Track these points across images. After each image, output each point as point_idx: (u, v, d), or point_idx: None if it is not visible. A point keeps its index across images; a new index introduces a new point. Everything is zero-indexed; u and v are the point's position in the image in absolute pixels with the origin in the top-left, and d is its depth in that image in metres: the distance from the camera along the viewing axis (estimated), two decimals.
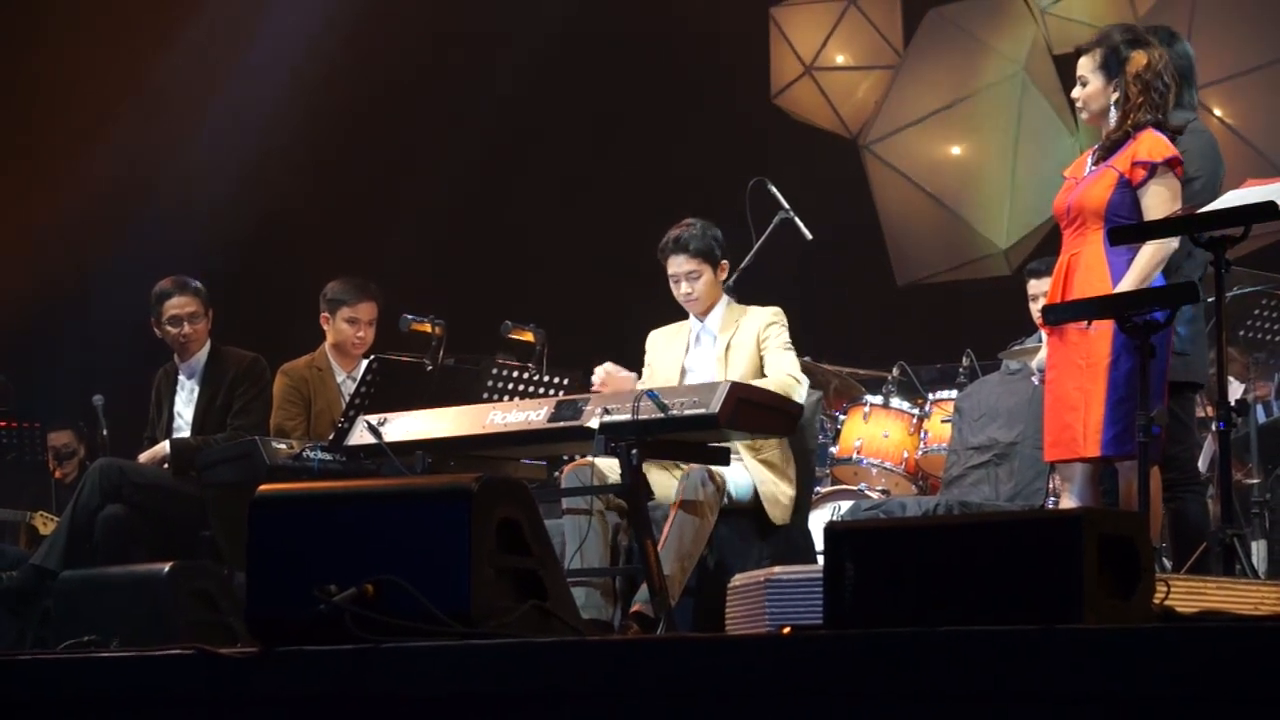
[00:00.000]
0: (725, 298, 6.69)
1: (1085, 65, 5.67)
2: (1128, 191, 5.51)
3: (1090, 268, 5.51)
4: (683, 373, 6.59)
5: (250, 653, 3.55)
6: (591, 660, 3.29)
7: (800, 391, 6.35)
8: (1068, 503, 5.67)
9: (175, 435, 7.46)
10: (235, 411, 7.43)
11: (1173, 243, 5.44)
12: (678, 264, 6.58)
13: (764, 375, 6.40)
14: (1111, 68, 5.60)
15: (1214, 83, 10.42)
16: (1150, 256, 5.41)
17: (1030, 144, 11.93)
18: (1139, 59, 5.57)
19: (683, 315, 6.73)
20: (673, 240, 6.59)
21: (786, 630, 3.31)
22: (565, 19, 11.72)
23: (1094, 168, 5.65)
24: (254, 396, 7.48)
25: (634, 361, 6.86)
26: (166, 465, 7.29)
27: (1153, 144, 5.50)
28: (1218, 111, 10.56)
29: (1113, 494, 5.65)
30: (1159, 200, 5.46)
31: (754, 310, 6.63)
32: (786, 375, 6.37)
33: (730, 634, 5.19)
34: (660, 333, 6.80)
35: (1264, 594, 4.65)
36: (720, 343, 6.56)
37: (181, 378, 7.57)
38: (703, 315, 6.64)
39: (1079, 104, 5.74)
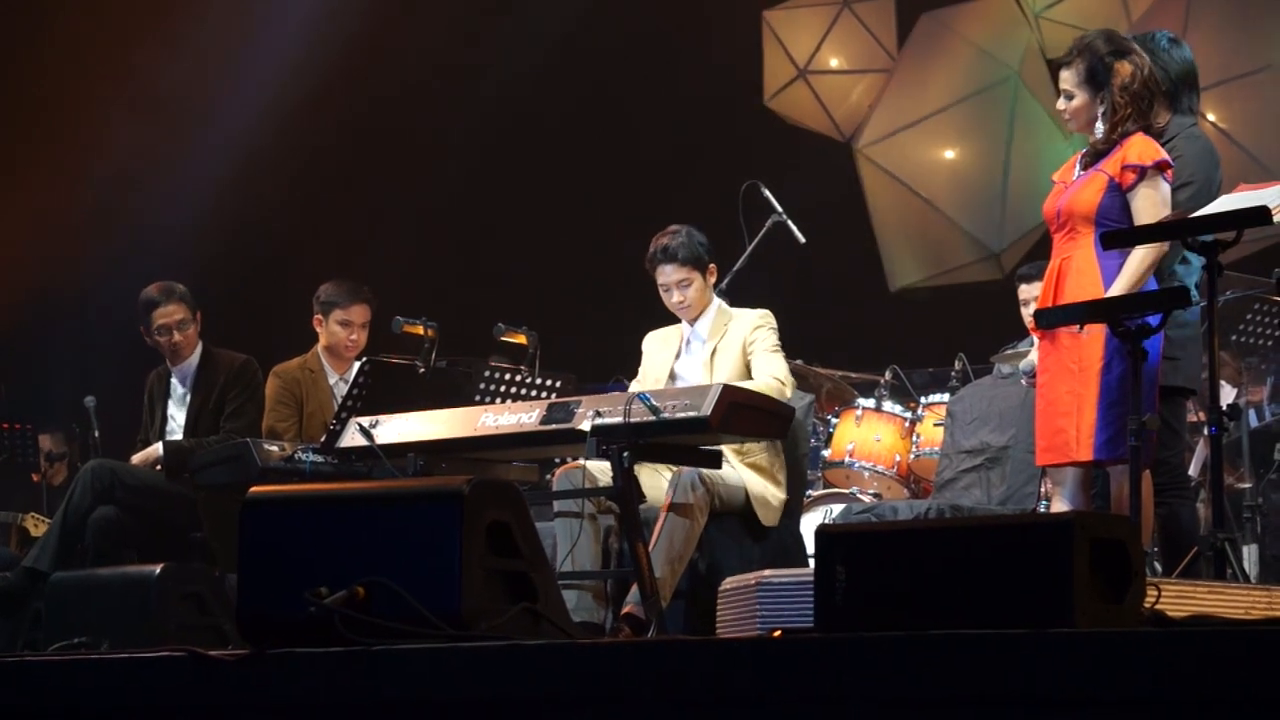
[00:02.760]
0: (716, 301, 6.69)
1: (1068, 79, 5.65)
2: (1118, 195, 5.51)
3: (1081, 272, 5.51)
4: (672, 377, 6.59)
5: (241, 655, 3.54)
6: (582, 663, 3.29)
7: (786, 394, 6.34)
8: (1059, 507, 5.67)
9: (168, 437, 7.46)
10: (228, 414, 7.43)
11: (1164, 246, 5.45)
12: (667, 274, 6.58)
13: (750, 379, 6.39)
14: (1096, 80, 5.58)
15: (1207, 87, 10.39)
16: (1141, 260, 5.42)
17: (1023, 148, 11.94)
18: (1123, 70, 5.55)
19: (677, 318, 6.73)
20: (660, 250, 6.58)
21: (777, 633, 3.31)
22: (559, 23, 11.72)
23: (1083, 172, 5.65)
24: (247, 399, 7.48)
25: (626, 363, 6.87)
26: (159, 467, 7.29)
27: (1142, 148, 5.50)
28: (1211, 116, 10.57)
29: (1104, 498, 5.65)
30: (1148, 204, 5.47)
31: (742, 313, 6.63)
32: (772, 378, 6.37)
33: (721, 637, 5.19)
34: (655, 336, 6.80)
35: (1255, 598, 4.65)
36: (707, 348, 6.56)
37: (174, 380, 7.57)
38: (694, 321, 6.65)
39: (1065, 116, 5.72)
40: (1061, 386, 5.51)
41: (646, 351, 6.79)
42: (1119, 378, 5.35)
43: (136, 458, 7.40)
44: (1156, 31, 5.99)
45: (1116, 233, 5.40)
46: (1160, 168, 5.48)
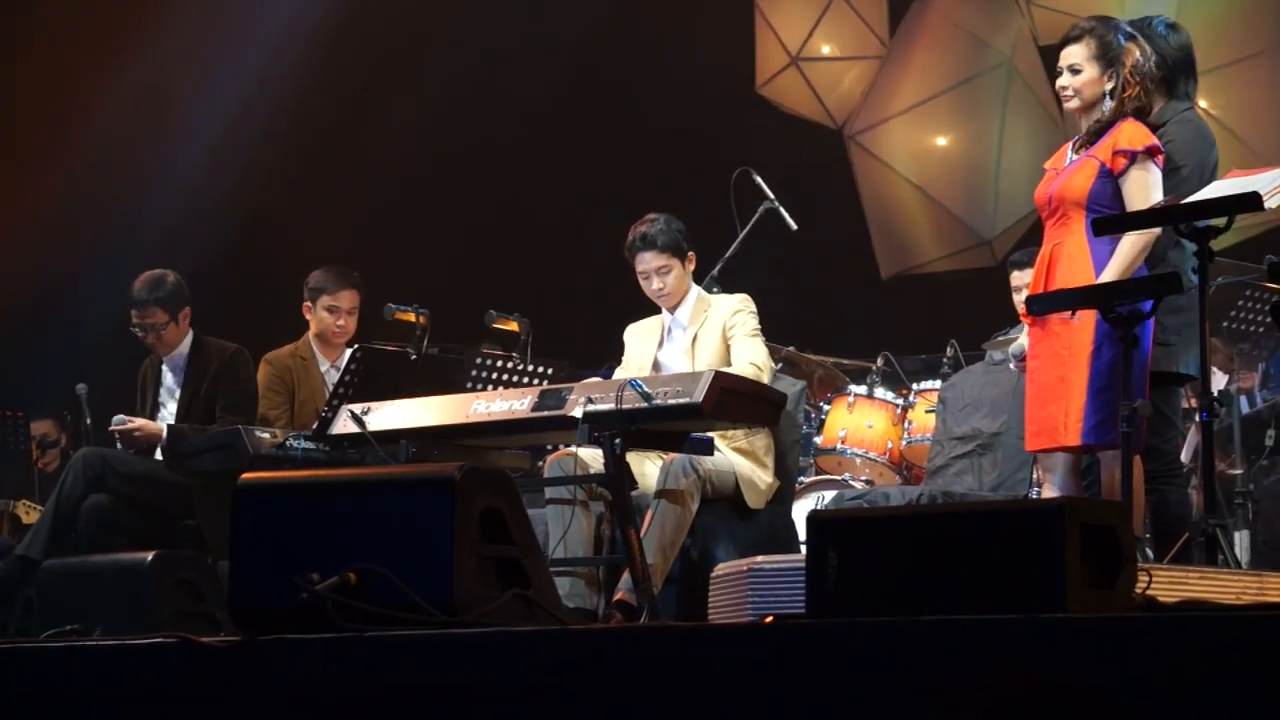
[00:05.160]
0: (695, 289, 6.69)
1: (1078, 53, 5.63)
2: (1109, 181, 5.51)
3: (1073, 258, 5.52)
4: (655, 366, 6.59)
5: (233, 641, 3.54)
6: (574, 649, 3.29)
7: (764, 380, 6.34)
8: (1050, 493, 5.67)
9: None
10: (223, 407, 7.40)
11: (1155, 231, 5.45)
12: (646, 261, 6.58)
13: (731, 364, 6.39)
14: (1108, 57, 5.59)
15: (1200, 73, 10.43)
16: (1132, 246, 5.42)
17: (1016, 135, 11.94)
18: (1133, 51, 5.58)
19: (658, 308, 6.73)
20: (639, 237, 6.59)
21: (769, 619, 3.31)
22: (549, 10, 11.71)
23: (1074, 157, 5.66)
24: (239, 390, 7.46)
25: (618, 350, 6.87)
26: (159, 452, 7.26)
27: (1133, 133, 5.51)
28: (1203, 102, 10.56)
29: (1097, 484, 5.65)
30: (1139, 188, 5.47)
31: (721, 299, 6.63)
32: (749, 364, 6.36)
33: (713, 623, 5.19)
34: (636, 327, 6.80)
35: (1246, 584, 4.66)
36: (688, 335, 6.56)
37: (165, 369, 7.56)
38: (674, 308, 6.65)
39: (1068, 91, 5.67)
40: (1052, 372, 5.52)
41: (628, 342, 6.79)
42: (1109, 363, 5.36)
43: (138, 422, 7.30)
44: (1154, 17, 5.99)
45: (1107, 219, 5.41)
46: (1151, 153, 5.49)
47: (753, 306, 6.56)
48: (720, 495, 6.29)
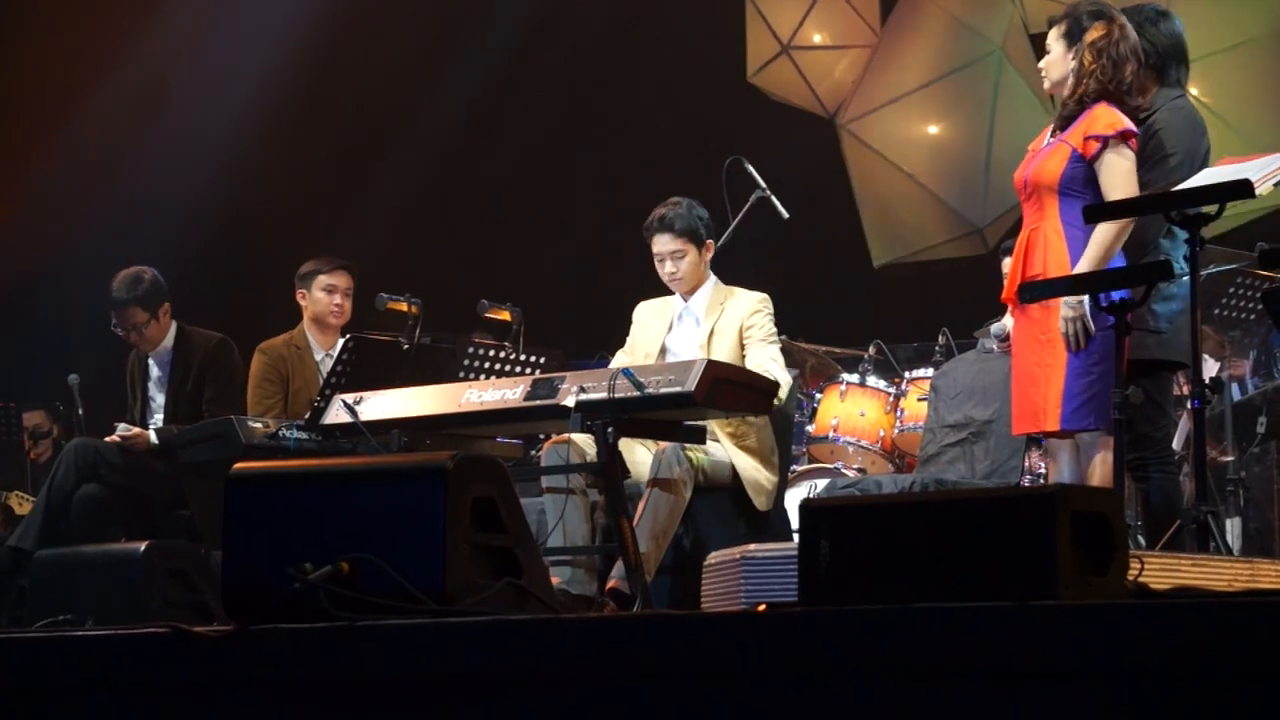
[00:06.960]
0: (712, 279, 6.67)
1: (1052, 34, 5.72)
2: (1080, 166, 5.51)
3: (1049, 244, 5.53)
4: (663, 351, 6.58)
5: (225, 631, 3.54)
6: (566, 637, 3.29)
7: (783, 391, 6.34)
8: (1055, 478, 5.71)
9: (151, 418, 7.44)
10: (209, 399, 7.39)
11: (1130, 219, 5.44)
12: (662, 243, 6.57)
13: (743, 359, 6.39)
14: (1073, 36, 5.63)
15: (1191, 61, 10.43)
16: (1106, 234, 5.39)
17: (1007, 123, 11.93)
18: (1097, 29, 5.59)
19: (666, 291, 6.71)
20: (658, 219, 6.57)
21: (761, 607, 3.31)
22: (539, 2, 11.69)
23: (1051, 140, 5.67)
24: (225, 381, 7.46)
25: (611, 339, 6.86)
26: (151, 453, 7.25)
27: (1106, 118, 5.50)
28: (1193, 89, 10.57)
29: None
30: (1114, 173, 5.46)
31: (740, 294, 6.60)
32: (772, 362, 6.37)
33: (705, 611, 5.20)
34: (648, 306, 6.77)
35: (1237, 570, 4.67)
36: (704, 328, 6.54)
37: (151, 363, 7.55)
38: (687, 295, 6.63)
39: (1042, 72, 5.76)
40: (1031, 357, 5.54)
41: (637, 321, 6.77)
42: (1087, 349, 5.38)
43: (135, 431, 7.29)
44: (1144, 5, 6.00)
45: (1098, 206, 5.40)
46: (1124, 137, 5.49)
47: (771, 309, 6.54)
48: (714, 484, 6.29)
